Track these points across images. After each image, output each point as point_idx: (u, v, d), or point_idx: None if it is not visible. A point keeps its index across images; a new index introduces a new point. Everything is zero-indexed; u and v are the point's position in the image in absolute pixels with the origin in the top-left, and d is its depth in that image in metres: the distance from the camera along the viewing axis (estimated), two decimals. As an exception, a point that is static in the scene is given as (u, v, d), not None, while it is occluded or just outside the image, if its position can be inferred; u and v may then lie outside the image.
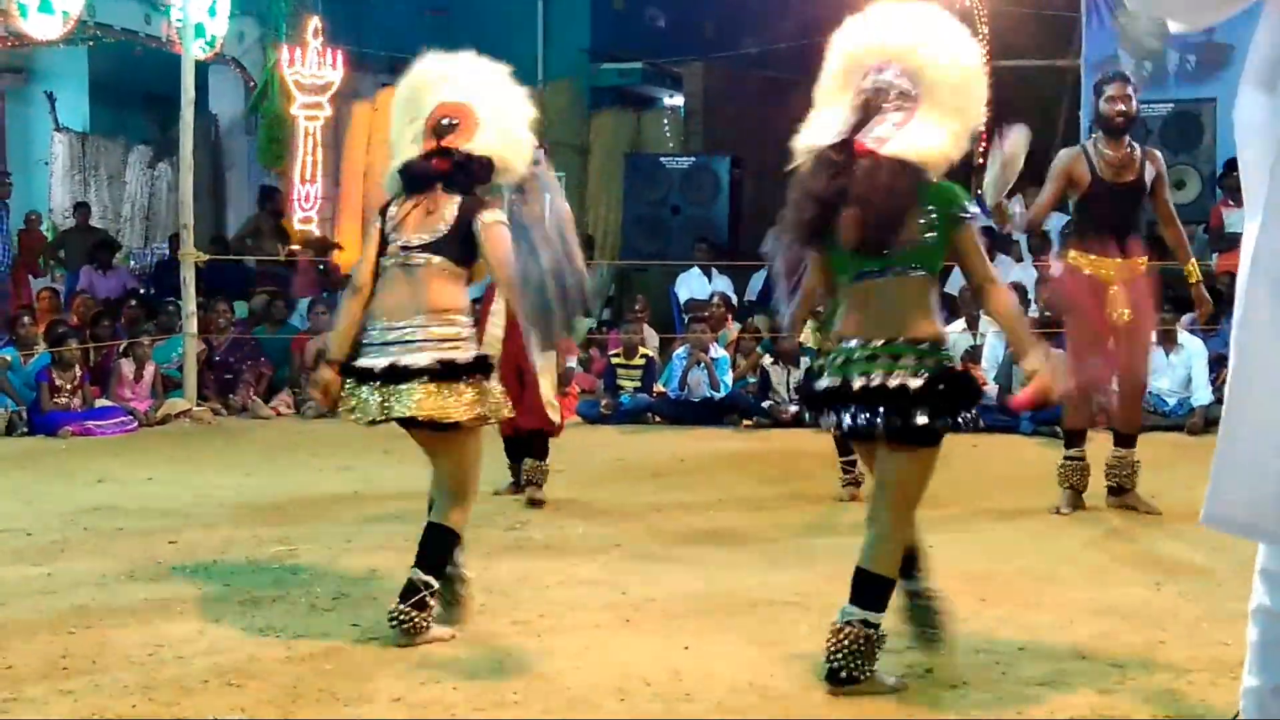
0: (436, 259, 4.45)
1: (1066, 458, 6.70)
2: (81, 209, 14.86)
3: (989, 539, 6.11)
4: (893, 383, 3.79)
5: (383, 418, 4.38)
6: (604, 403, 10.54)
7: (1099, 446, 6.73)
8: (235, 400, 10.96)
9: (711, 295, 12.01)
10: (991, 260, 12.65)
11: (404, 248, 4.48)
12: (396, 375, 4.34)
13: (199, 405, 10.67)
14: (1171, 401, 9.66)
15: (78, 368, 10.13)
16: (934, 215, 3.90)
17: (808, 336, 7.13)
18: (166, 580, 5.35)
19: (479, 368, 4.43)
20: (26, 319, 10.71)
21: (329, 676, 4.09)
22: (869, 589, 3.88)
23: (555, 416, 6.86)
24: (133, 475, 8.00)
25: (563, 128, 15.06)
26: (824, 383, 3.94)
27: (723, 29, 17.01)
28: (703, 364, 10.48)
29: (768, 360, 10.46)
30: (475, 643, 4.45)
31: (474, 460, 4.55)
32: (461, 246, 4.47)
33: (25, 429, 9.77)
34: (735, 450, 8.85)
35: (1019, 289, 10.98)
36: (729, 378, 10.54)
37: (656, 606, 4.91)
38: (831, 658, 3.86)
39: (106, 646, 4.39)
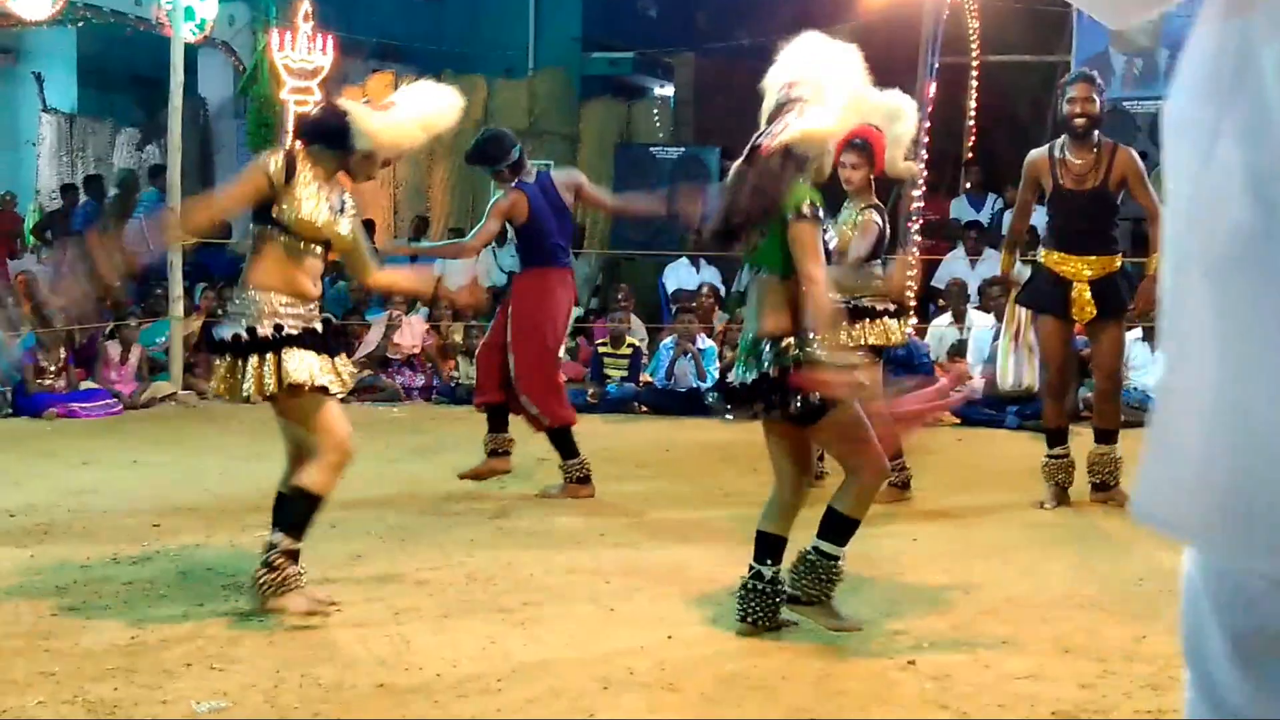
0: None
1: (1049, 456, 6.69)
2: (69, 191, 14.79)
3: (973, 532, 6.13)
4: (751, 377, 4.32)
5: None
6: (590, 392, 10.53)
7: (1084, 442, 6.73)
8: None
9: (700, 286, 12.00)
10: (980, 255, 12.71)
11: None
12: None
13: (185, 390, 10.63)
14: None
15: (62, 349, 10.08)
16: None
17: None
18: (150, 563, 5.34)
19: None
20: (11, 300, 10.67)
21: (312, 661, 4.08)
22: (830, 522, 4.45)
23: (537, 415, 6.85)
24: (117, 458, 7.98)
25: (553, 117, 15.04)
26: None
27: (714, 20, 17.00)
28: (689, 354, 10.48)
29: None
30: (459, 630, 4.45)
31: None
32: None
33: (9, 410, 9.73)
34: (721, 441, 8.85)
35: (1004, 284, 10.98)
36: (715, 368, 10.54)
37: (641, 596, 4.92)
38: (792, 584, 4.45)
39: (89, 629, 4.39)
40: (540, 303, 6.85)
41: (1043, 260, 6.64)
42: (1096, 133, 6.47)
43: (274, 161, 4.58)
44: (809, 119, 4.36)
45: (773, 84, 4.52)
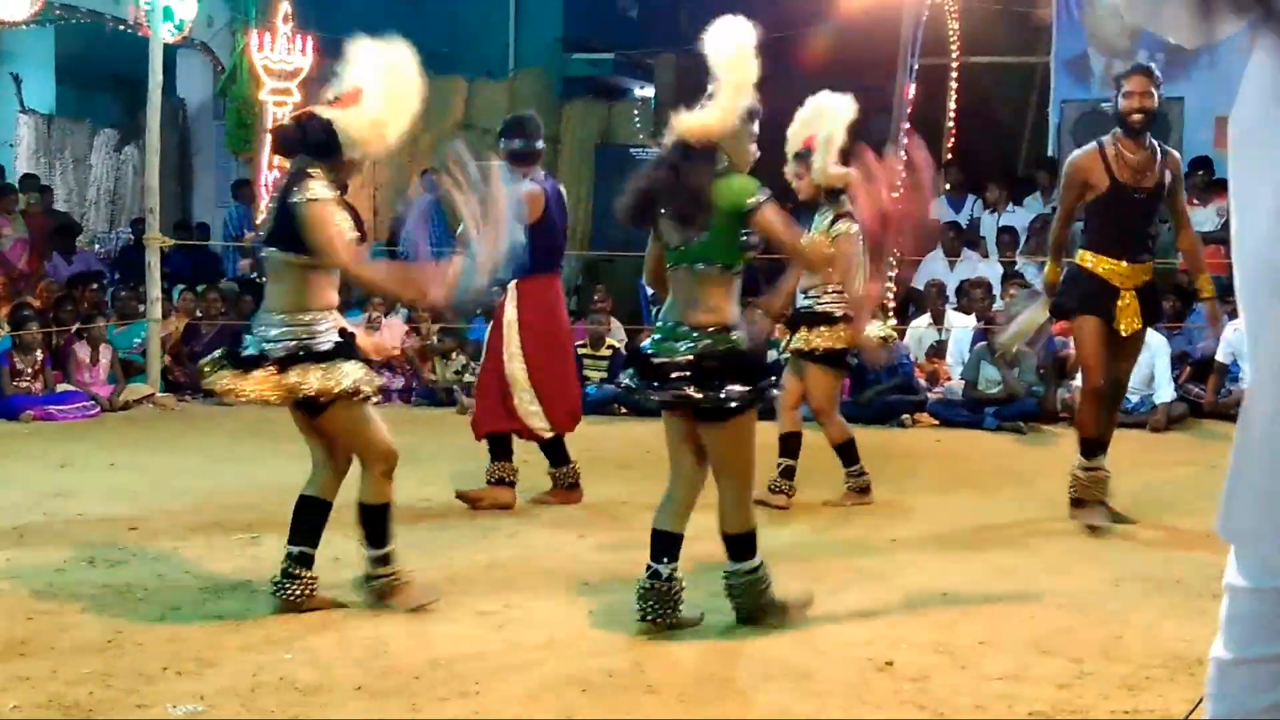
0: (273, 252, 4.56)
1: (1087, 468, 6.18)
2: (44, 193, 14.69)
3: (951, 534, 6.14)
4: (664, 361, 4.31)
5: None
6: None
7: (1063, 451, 6.70)
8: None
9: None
10: (958, 256, 12.70)
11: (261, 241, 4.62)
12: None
13: (162, 393, 10.59)
14: (1135, 399, 9.72)
15: (39, 351, 10.03)
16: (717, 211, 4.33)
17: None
18: (127, 567, 5.32)
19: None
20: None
21: (290, 665, 4.07)
22: (734, 545, 4.49)
23: (540, 423, 6.66)
24: (94, 461, 7.94)
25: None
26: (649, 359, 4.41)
27: (695, 21, 16.90)
28: (670, 356, 10.47)
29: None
30: (438, 633, 4.44)
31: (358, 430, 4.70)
32: (290, 230, 4.47)
33: (-14, 413, 9.68)
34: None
35: (984, 285, 11.02)
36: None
37: (620, 598, 4.90)
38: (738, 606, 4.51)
39: (65, 633, 4.37)
40: (553, 310, 6.72)
41: (1086, 265, 6.13)
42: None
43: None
44: (700, 115, 4.42)
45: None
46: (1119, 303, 6.04)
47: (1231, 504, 2.00)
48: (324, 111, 4.56)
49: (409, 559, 5.30)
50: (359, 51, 4.67)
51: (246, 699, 3.78)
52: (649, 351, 4.40)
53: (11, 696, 3.76)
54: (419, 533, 5.92)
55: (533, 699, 3.81)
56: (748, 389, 4.30)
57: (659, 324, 4.47)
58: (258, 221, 13.98)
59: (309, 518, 4.70)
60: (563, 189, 6.89)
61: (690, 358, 4.28)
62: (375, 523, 4.70)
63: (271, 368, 4.46)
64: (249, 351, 4.53)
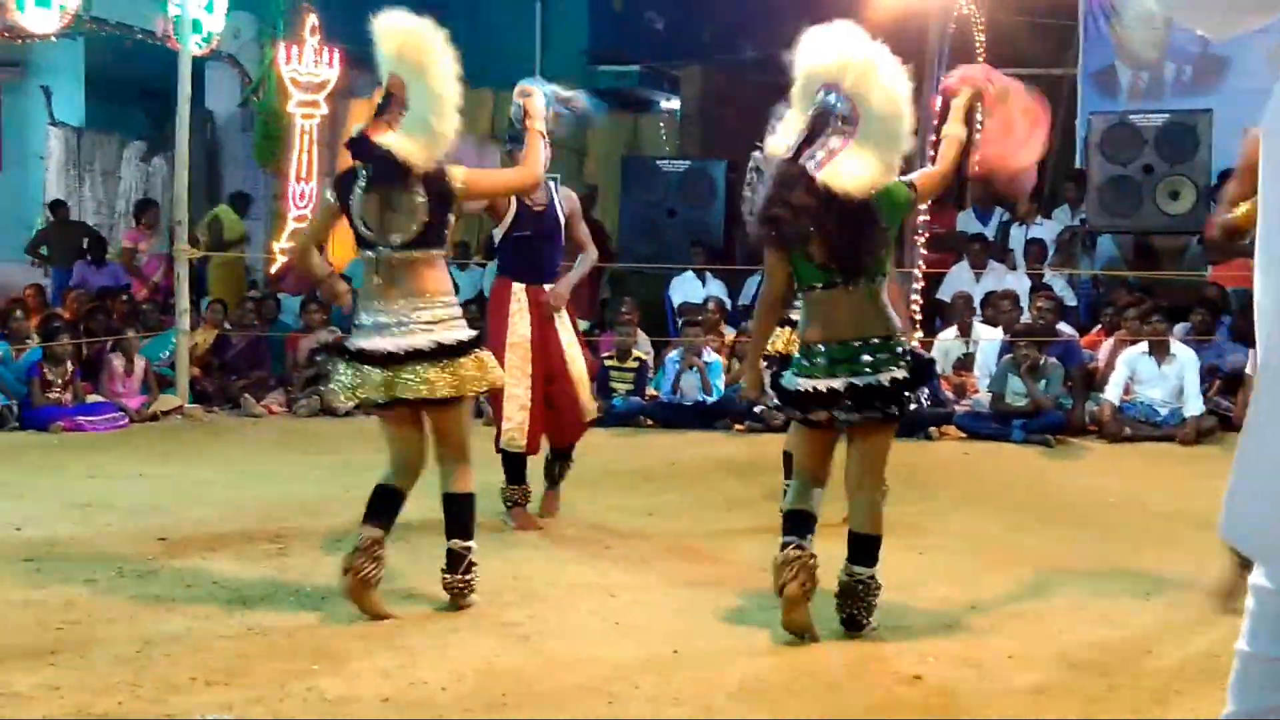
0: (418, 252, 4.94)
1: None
2: (59, 206, 14.72)
3: (978, 546, 6.11)
4: (883, 379, 4.38)
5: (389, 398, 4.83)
6: (596, 405, 10.51)
7: (1098, 456, 6.67)
8: (248, 401, 10.87)
9: (706, 299, 11.99)
10: (984, 268, 12.58)
11: (383, 246, 4.97)
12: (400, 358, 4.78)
13: (191, 404, 10.65)
14: (1163, 412, 9.66)
15: (69, 363, 10.09)
16: (889, 228, 4.46)
17: (789, 342, 6.58)
18: (155, 577, 5.34)
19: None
20: (19, 313, 10.69)
21: (317, 675, 4.08)
22: (868, 548, 4.58)
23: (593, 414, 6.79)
24: (123, 471, 7.98)
25: (560, 129, 15.06)
26: (816, 384, 4.44)
27: (721, 33, 17.01)
28: (695, 368, 10.47)
29: (761, 365, 10.41)
30: (464, 644, 4.45)
31: (469, 424, 5.14)
32: (439, 227, 4.96)
33: (16, 424, 9.73)
34: (727, 454, 8.85)
35: (1011, 297, 10.98)
36: (721, 382, 10.54)
37: (646, 610, 4.91)
38: (843, 609, 4.52)
39: (94, 642, 4.39)
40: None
41: None
42: None
43: None
44: (855, 168, 4.31)
45: (809, 69, 4.45)
46: None
47: (1232, 507, 2.00)
48: (395, 145, 4.87)
49: (435, 570, 5.31)
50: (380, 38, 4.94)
51: (274, 709, 3.79)
52: (851, 380, 4.40)
53: (41, 706, 3.78)
54: (444, 545, 5.91)
55: (559, 711, 3.81)
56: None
57: (836, 350, 4.43)
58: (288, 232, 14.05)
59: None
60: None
61: (904, 374, 4.43)
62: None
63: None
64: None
